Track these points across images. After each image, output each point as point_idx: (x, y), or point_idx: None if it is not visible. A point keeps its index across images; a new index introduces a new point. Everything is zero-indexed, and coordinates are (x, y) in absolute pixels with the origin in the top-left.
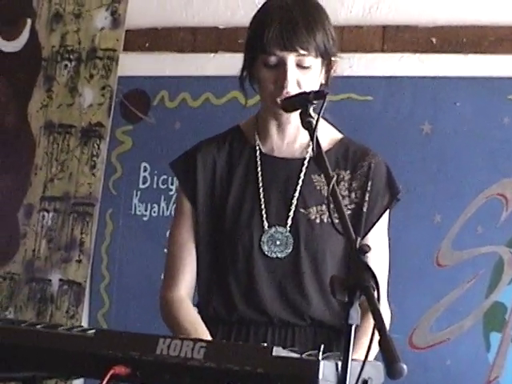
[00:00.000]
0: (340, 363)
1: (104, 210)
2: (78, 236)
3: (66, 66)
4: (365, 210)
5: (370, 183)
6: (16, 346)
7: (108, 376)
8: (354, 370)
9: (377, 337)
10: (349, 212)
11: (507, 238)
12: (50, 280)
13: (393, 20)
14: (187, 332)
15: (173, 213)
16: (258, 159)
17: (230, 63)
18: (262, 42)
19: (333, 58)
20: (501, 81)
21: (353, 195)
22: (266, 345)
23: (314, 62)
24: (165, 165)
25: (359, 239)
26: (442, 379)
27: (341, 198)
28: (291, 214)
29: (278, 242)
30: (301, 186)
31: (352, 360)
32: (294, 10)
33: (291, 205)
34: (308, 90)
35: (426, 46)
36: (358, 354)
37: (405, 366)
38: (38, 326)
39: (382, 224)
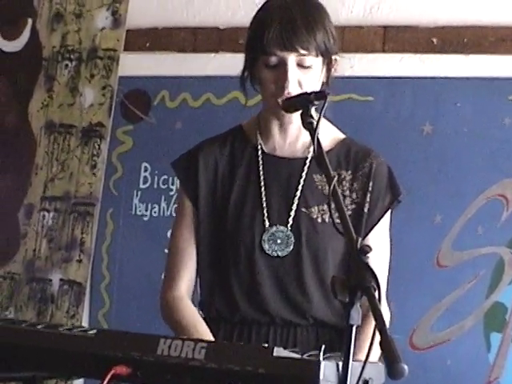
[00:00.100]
0: (341, 364)
1: (104, 210)
2: (78, 236)
3: (67, 65)
4: (366, 210)
5: (371, 184)
6: (16, 345)
7: (109, 376)
8: (354, 371)
9: (378, 337)
10: (350, 212)
11: (508, 238)
12: (51, 280)
13: (394, 20)
14: (187, 330)
15: (173, 213)
16: (259, 159)
17: (230, 63)
18: (262, 42)
19: (334, 57)
20: (501, 81)
21: (354, 195)
22: (266, 345)
23: (315, 62)
24: (165, 165)
25: (360, 239)
26: (442, 379)
27: (342, 198)
28: (292, 213)
29: (278, 241)
30: (302, 186)
31: (353, 360)
32: (293, 10)
33: (292, 204)
34: (309, 91)
35: (426, 46)
36: (359, 354)
37: (406, 367)
38: (39, 326)
39: (384, 225)
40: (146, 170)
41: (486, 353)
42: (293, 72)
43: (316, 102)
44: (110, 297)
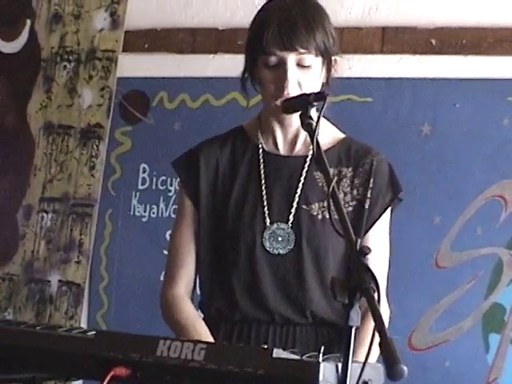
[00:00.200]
0: (340, 365)
1: (103, 211)
2: (77, 237)
3: (65, 66)
4: (366, 206)
5: (371, 180)
6: (16, 347)
7: (108, 377)
8: (354, 372)
9: (377, 338)
10: (350, 209)
11: (506, 239)
12: (49, 281)
13: (392, 21)
14: (186, 329)
15: (172, 214)
16: (260, 157)
17: (229, 64)
18: (262, 42)
19: (333, 57)
20: (500, 82)
21: (355, 192)
22: (266, 346)
23: (315, 62)
24: (164, 166)
25: (359, 240)
26: (441, 380)
27: (341, 199)
28: (293, 210)
29: (279, 239)
30: (303, 183)
31: (352, 362)
32: (293, 10)
33: (293, 201)
34: (308, 92)
35: (425, 47)
36: (358, 355)
37: (405, 368)
38: (38, 328)
39: (384, 222)
40: (144, 171)
41: (484, 354)
42: (292, 72)
43: (315, 103)
44: (109, 298)
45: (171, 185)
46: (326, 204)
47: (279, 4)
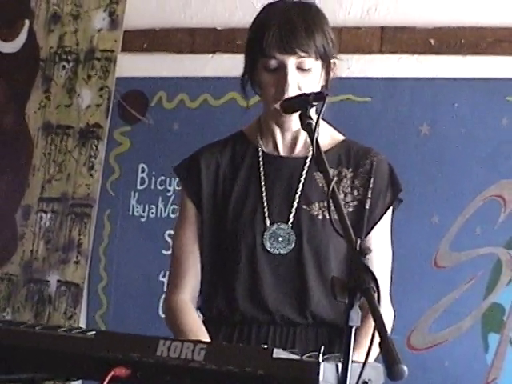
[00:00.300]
0: (340, 365)
1: (102, 211)
2: (75, 237)
3: (64, 66)
4: (367, 207)
5: (372, 180)
6: (15, 347)
7: (108, 378)
8: (354, 372)
9: (377, 338)
10: (351, 209)
11: (505, 239)
12: (48, 281)
13: (391, 21)
14: (189, 337)
15: (171, 214)
16: (260, 159)
17: (228, 64)
18: (262, 45)
19: (332, 61)
20: (499, 82)
21: (355, 192)
22: (266, 346)
23: (314, 65)
24: (163, 166)
25: (360, 241)
26: (440, 380)
27: (342, 199)
28: (293, 210)
29: (280, 239)
30: (303, 184)
31: (352, 362)
32: (293, 14)
33: (293, 201)
34: (308, 92)
35: (424, 47)
36: (358, 355)
37: (405, 368)
38: (38, 328)
39: (385, 222)
40: (143, 171)
41: (483, 354)
42: (292, 75)
43: (315, 103)
44: (108, 298)
45: (170, 185)
46: (326, 204)
47: (279, 7)
